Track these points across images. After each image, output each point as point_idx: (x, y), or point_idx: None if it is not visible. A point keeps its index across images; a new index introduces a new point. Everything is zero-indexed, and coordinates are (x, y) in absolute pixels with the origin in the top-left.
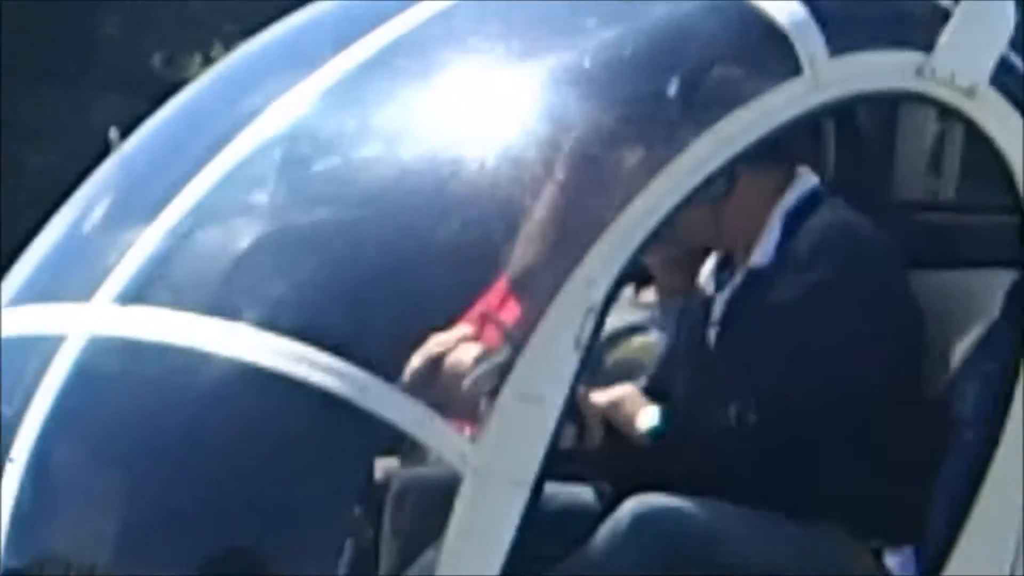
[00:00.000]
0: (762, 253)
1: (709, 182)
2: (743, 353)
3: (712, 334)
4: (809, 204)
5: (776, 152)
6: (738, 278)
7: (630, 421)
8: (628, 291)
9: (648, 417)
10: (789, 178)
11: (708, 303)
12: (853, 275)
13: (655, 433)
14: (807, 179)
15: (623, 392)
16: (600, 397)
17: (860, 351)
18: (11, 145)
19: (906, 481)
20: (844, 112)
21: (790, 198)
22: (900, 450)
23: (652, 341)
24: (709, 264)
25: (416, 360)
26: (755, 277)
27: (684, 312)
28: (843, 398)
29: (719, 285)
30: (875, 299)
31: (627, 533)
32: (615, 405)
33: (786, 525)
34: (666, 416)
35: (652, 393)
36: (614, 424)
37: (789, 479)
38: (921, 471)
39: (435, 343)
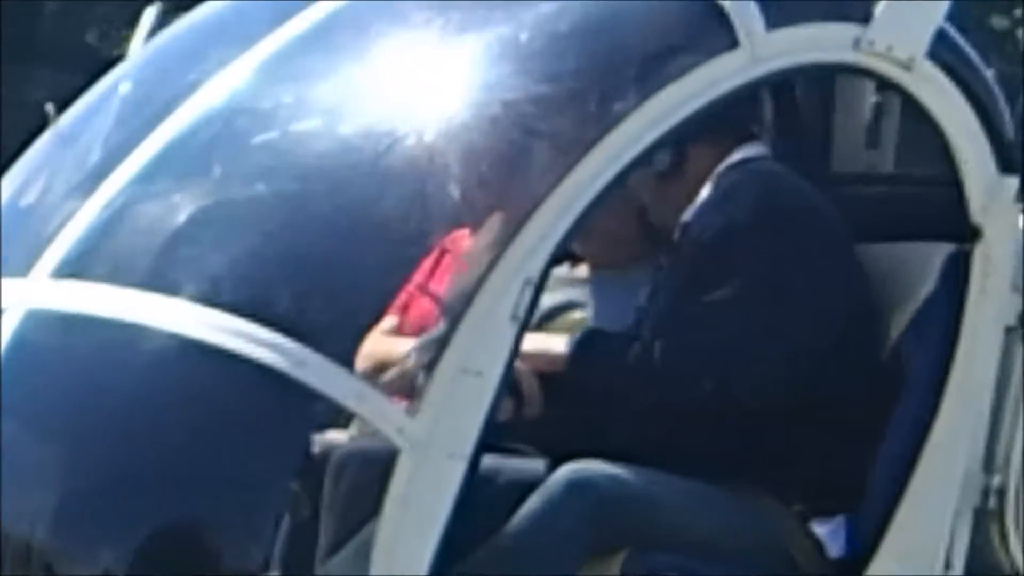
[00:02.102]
0: (691, 209)
1: (646, 155)
2: (667, 305)
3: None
4: (740, 164)
5: (724, 125)
6: (675, 237)
7: (552, 352)
8: (563, 268)
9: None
10: (731, 151)
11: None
12: (764, 213)
13: (581, 343)
14: (748, 149)
15: (532, 341)
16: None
17: (779, 296)
18: None
19: (841, 450)
20: (782, 85)
21: (726, 163)
22: (835, 418)
23: (589, 317)
24: None
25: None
26: (684, 230)
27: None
28: (764, 347)
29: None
30: (791, 239)
31: (561, 499)
32: (530, 352)
33: (718, 493)
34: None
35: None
36: (542, 366)
37: (719, 443)
38: (856, 441)
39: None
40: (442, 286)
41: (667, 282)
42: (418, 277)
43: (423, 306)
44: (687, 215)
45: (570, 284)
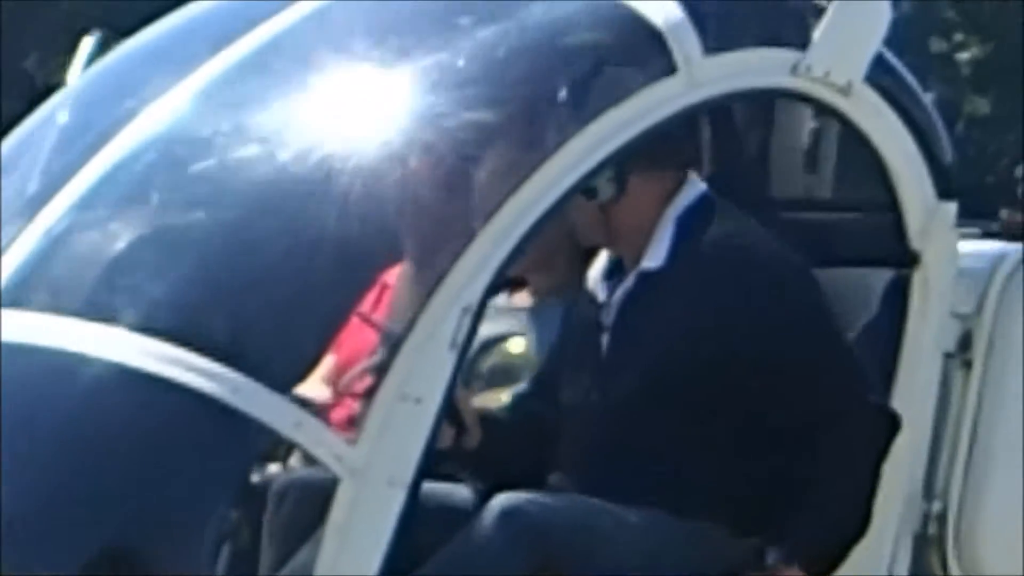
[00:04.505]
0: (654, 256)
1: (585, 182)
2: (636, 355)
3: (604, 337)
4: (700, 209)
5: (665, 155)
6: (630, 281)
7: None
8: (502, 297)
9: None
10: (678, 182)
11: (599, 306)
12: (754, 282)
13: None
14: (696, 184)
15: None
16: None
17: (760, 357)
18: None
19: (789, 479)
20: (719, 111)
21: (681, 203)
22: (783, 447)
23: (529, 346)
24: (598, 267)
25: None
26: (646, 280)
27: (570, 312)
28: (741, 399)
29: (611, 289)
30: (778, 307)
31: (493, 527)
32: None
33: (665, 522)
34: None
35: (539, 393)
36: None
37: (674, 478)
38: (804, 468)
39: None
40: (383, 316)
41: (633, 333)
42: (361, 308)
43: (367, 336)
44: (649, 261)
45: (508, 313)
